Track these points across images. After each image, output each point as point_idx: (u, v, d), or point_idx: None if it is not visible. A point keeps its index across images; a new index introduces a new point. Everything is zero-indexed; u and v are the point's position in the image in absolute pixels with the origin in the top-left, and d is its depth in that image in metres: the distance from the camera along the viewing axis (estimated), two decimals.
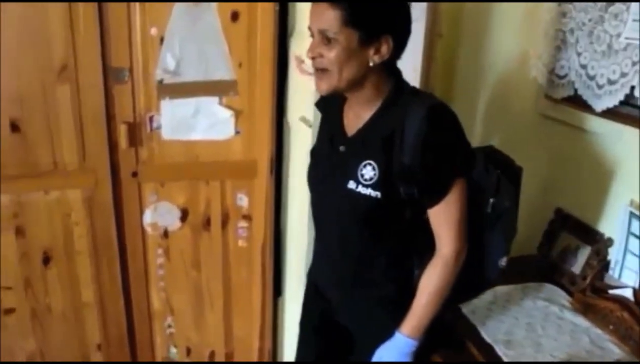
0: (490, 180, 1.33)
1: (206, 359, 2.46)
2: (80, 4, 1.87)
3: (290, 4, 2.11)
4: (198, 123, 2.08)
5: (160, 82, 2.01)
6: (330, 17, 1.19)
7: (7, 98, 1.92)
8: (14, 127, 1.95)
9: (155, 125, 2.07)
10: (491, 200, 1.34)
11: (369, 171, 1.29)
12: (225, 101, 2.08)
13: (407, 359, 1.36)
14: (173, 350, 2.41)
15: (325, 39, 1.21)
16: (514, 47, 2.14)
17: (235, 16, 2.00)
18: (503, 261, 1.40)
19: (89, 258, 2.19)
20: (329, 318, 1.55)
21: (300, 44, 1.98)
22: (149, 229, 2.20)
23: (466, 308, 1.66)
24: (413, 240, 1.38)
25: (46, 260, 2.15)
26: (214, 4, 1.96)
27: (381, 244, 1.38)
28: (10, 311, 2.18)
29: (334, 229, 1.43)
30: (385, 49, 1.23)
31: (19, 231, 2.09)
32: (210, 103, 2.07)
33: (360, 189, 1.29)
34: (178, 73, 2.01)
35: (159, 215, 2.18)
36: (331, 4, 1.19)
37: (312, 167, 1.50)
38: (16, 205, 2.06)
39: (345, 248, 1.42)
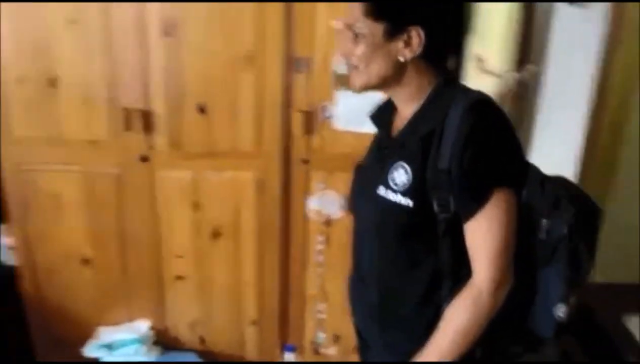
0: (546, 199, 1.10)
1: (351, 350, 2.48)
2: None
3: (471, 4, 2.06)
4: None
5: (338, 72, 2.06)
6: (355, 10, 1.13)
7: (198, 82, 2.08)
8: (201, 109, 2.10)
9: (326, 114, 2.13)
10: (544, 222, 1.09)
11: (400, 174, 1.12)
12: None
13: None
14: (321, 335, 2.47)
15: (353, 34, 1.14)
16: None
17: None
18: (561, 311, 1.11)
19: (253, 238, 2.31)
20: None
21: (481, 43, 1.93)
22: (312, 215, 2.27)
23: (630, 323, 1.56)
24: (446, 267, 1.15)
25: (215, 235, 2.30)
26: None
27: (414, 269, 1.18)
28: (180, 277, 2.36)
29: (365, 251, 1.27)
30: (416, 42, 1.11)
31: (195, 206, 2.25)
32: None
33: (390, 196, 1.13)
34: None
35: (323, 202, 2.24)
36: None
37: (353, 182, 1.36)
38: (195, 182, 2.22)
39: (376, 274, 1.25)
